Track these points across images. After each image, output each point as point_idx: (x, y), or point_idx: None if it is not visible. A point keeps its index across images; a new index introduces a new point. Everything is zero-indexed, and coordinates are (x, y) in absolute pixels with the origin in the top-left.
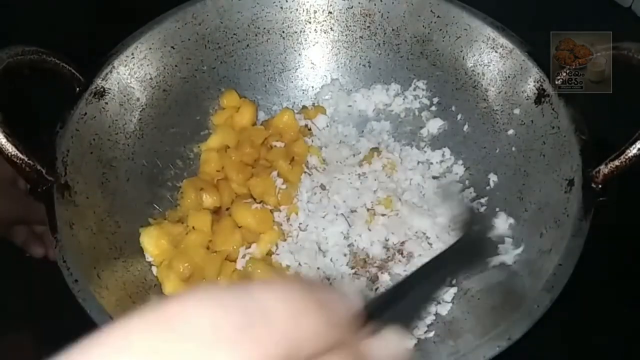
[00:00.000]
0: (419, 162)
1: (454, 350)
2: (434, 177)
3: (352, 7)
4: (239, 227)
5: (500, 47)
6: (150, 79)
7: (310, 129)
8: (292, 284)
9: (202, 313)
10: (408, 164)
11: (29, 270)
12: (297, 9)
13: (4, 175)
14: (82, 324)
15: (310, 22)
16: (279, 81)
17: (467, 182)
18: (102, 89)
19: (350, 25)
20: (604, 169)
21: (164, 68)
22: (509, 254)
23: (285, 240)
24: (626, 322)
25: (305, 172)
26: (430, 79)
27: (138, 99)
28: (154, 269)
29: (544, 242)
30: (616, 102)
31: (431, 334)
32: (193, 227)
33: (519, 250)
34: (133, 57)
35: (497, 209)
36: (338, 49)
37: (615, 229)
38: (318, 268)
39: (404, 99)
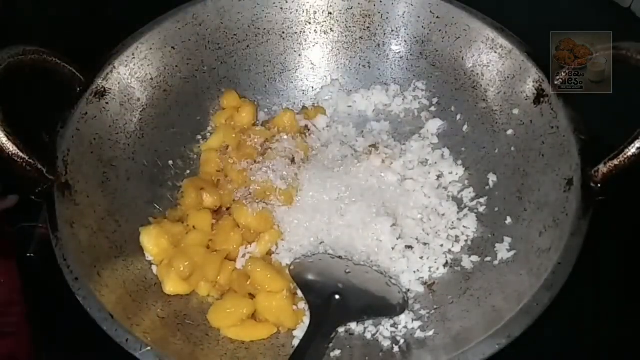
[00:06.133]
0: (418, 162)
1: (454, 349)
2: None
3: (351, 8)
4: (239, 227)
5: (500, 47)
6: (151, 79)
7: (309, 129)
8: None
9: None
10: (408, 164)
11: (29, 269)
12: (297, 10)
13: None
14: (82, 323)
15: (310, 23)
16: (279, 82)
17: (466, 182)
18: (102, 89)
19: (350, 26)
20: (603, 168)
21: (165, 68)
22: (508, 253)
23: (284, 240)
24: (626, 321)
25: (305, 171)
26: (429, 80)
27: (138, 99)
28: (154, 268)
29: (544, 241)
30: (616, 102)
31: (431, 332)
32: (193, 227)
33: (518, 250)
34: (134, 57)
35: (497, 209)
36: (338, 49)
37: (615, 228)
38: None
39: (403, 100)
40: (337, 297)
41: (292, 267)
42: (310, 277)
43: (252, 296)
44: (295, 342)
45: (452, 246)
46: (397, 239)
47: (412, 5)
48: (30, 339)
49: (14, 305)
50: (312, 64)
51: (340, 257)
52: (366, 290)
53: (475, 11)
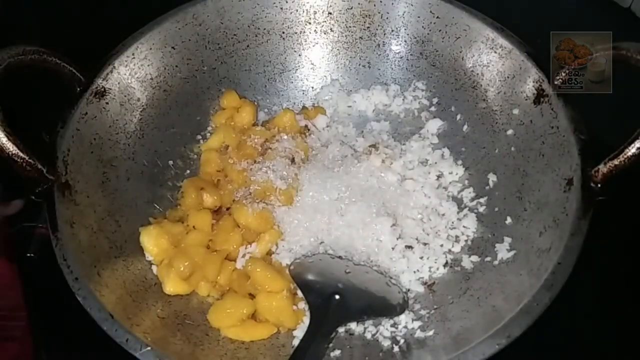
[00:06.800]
0: (418, 162)
1: (454, 349)
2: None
3: (351, 8)
4: (239, 227)
5: (500, 47)
6: (151, 79)
7: (309, 129)
8: None
9: None
10: (408, 164)
11: (29, 269)
12: (297, 10)
13: None
14: (82, 323)
15: (310, 23)
16: (279, 82)
17: (466, 182)
18: (102, 89)
19: (350, 26)
20: (603, 168)
21: (165, 68)
22: (508, 253)
23: (284, 240)
24: (626, 321)
25: (305, 171)
26: (429, 80)
27: (138, 99)
28: (154, 268)
29: (543, 241)
30: (616, 102)
31: (431, 332)
32: (193, 227)
33: (518, 250)
34: (134, 57)
35: (496, 209)
36: (338, 49)
37: (615, 228)
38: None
39: (403, 100)
40: (337, 297)
41: (292, 267)
42: (310, 277)
43: (252, 296)
44: (295, 342)
45: (452, 246)
46: (397, 239)
47: (412, 5)
48: (32, 341)
49: (20, 310)
50: (312, 64)
51: (340, 257)
52: (366, 290)
53: (475, 11)
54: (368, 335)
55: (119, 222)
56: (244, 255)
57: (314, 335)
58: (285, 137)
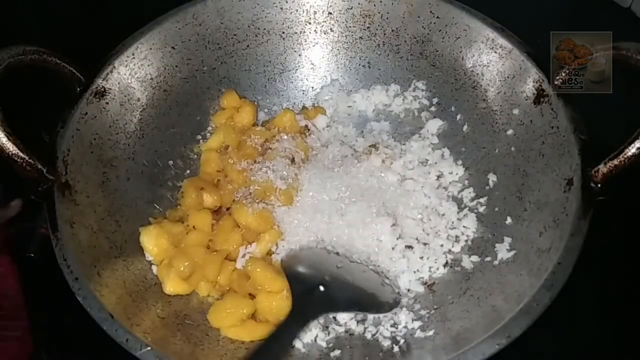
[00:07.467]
0: (418, 162)
1: (454, 349)
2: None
3: (351, 8)
4: (239, 227)
5: (500, 47)
6: (151, 79)
7: (309, 129)
8: None
9: None
10: (408, 164)
11: (29, 269)
12: (297, 10)
13: None
14: (82, 323)
15: (310, 23)
16: (279, 82)
17: (466, 182)
18: (102, 89)
19: (350, 26)
20: (603, 169)
21: (165, 68)
22: (508, 253)
23: (284, 240)
24: (626, 321)
25: (305, 171)
26: (429, 80)
27: (138, 99)
28: (154, 268)
29: (544, 241)
30: (616, 102)
31: (431, 332)
32: (193, 227)
33: (518, 250)
34: (134, 58)
35: (496, 209)
36: (338, 49)
37: (615, 228)
38: None
39: (403, 100)
40: (321, 288)
41: (284, 259)
42: (301, 269)
43: (252, 296)
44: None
45: (452, 246)
46: (397, 239)
47: (412, 5)
48: (32, 341)
49: (20, 310)
50: (312, 64)
51: (337, 254)
52: (355, 285)
53: (475, 11)
54: (368, 335)
55: (119, 222)
56: (244, 255)
57: (290, 324)
58: (285, 137)
